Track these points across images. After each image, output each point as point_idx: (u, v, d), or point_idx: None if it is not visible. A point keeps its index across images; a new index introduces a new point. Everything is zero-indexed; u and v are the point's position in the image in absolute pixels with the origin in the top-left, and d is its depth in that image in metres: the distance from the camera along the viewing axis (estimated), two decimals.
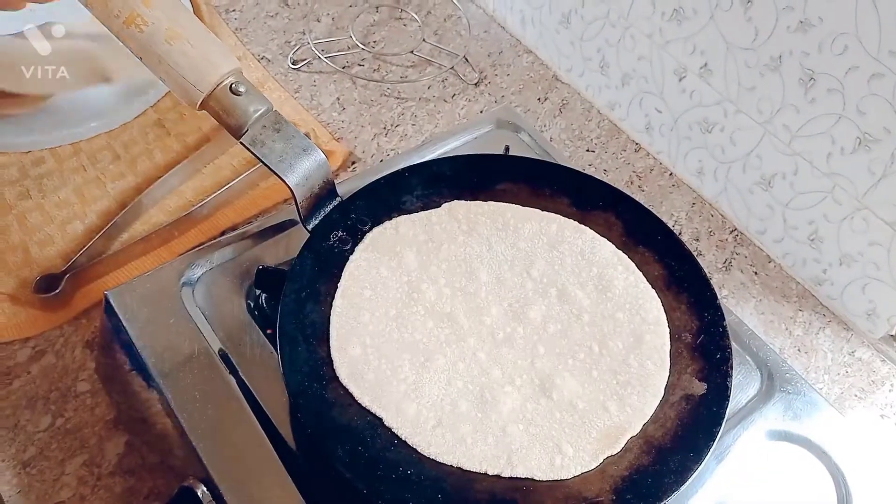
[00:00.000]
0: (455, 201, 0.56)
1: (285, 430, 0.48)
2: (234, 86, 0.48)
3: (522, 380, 0.47)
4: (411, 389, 0.46)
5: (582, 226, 0.55)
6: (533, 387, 0.47)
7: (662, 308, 0.51)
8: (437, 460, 0.43)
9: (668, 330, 0.50)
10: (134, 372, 0.54)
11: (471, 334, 0.49)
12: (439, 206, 0.56)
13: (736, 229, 0.79)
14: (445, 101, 0.87)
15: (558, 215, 0.56)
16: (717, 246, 0.78)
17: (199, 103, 0.48)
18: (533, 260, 0.53)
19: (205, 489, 0.46)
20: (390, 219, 0.54)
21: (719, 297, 0.54)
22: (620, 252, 0.54)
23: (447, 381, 0.47)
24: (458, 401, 0.46)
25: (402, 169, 0.56)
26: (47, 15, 0.73)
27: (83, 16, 0.48)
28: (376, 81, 0.88)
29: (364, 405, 0.46)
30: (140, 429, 0.58)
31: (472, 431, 0.45)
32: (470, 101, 0.87)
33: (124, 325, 0.51)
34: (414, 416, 0.45)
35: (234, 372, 0.51)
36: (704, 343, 0.49)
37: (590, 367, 0.48)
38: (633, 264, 0.53)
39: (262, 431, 0.48)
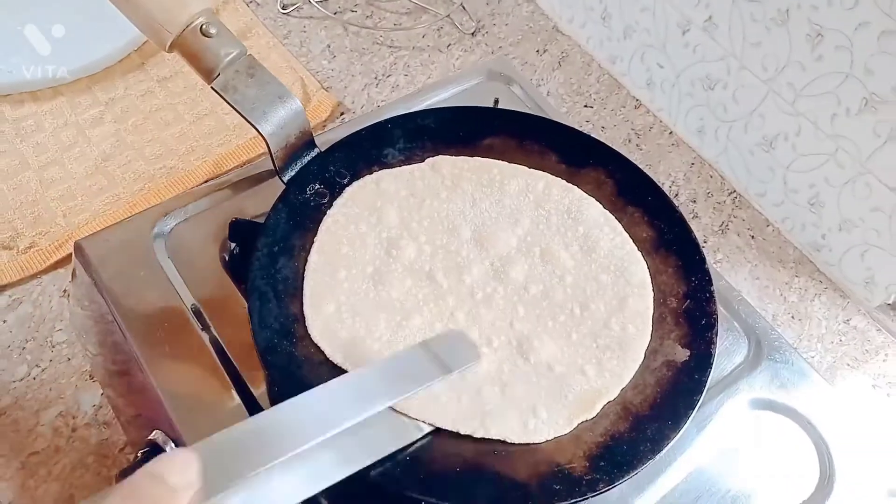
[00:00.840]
0: (439, 156, 0.54)
1: (258, 390, 0.47)
2: (204, 27, 0.46)
3: (500, 341, 0.46)
4: (386, 348, 0.45)
5: (570, 184, 0.53)
6: (510, 349, 0.46)
7: (648, 271, 0.49)
8: (408, 414, 0.42)
9: (652, 294, 0.48)
10: (111, 324, 0.53)
11: (450, 294, 0.48)
12: (422, 159, 0.53)
13: (735, 191, 0.77)
14: (440, 50, 0.84)
15: (546, 173, 0.53)
16: (714, 208, 0.76)
17: (168, 45, 0.46)
18: (518, 218, 0.51)
19: (173, 446, 0.45)
20: (370, 172, 0.52)
21: (711, 260, 0.52)
22: (608, 212, 0.52)
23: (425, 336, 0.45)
24: None
25: (385, 120, 0.54)
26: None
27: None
28: (369, 29, 0.84)
29: (336, 363, 0.44)
30: (116, 381, 0.57)
31: (447, 390, 0.43)
32: (466, 51, 0.84)
33: (93, 275, 0.50)
34: None
35: (206, 327, 0.49)
36: (690, 308, 0.48)
37: (570, 331, 0.47)
38: (619, 226, 0.51)
39: (234, 390, 0.47)
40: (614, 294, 0.48)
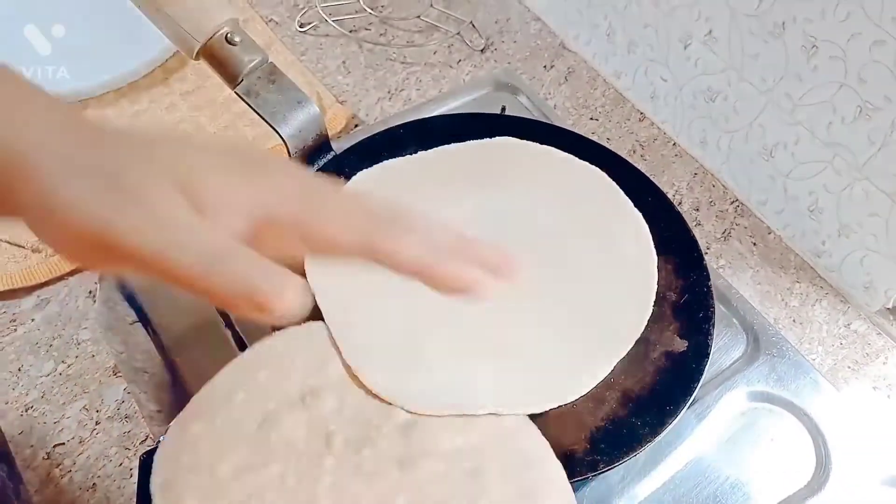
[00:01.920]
0: None
1: None
2: (229, 35, 0.49)
3: None
4: (212, 484, 0.39)
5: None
6: None
7: None
8: None
9: None
10: (135, 325, 0.56)
11: (333, 456, 0.39)
12: None
13: (737, 200, 0.79)
14: (451, 66, 0.87)
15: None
16: (716, 216, 0.78)
17: (195, 52, 0.49)
18: (466, 431, 0.42)
19: None
20: None
21: (714, 266, 0.54)
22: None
23: (253, 495, 0.38)
24: None
25: (397, 126, 0.57)
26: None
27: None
28: (382, 46, 0.88)
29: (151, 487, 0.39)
30: (140, 379, 0.59)
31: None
32: (475, 66, 0.87)
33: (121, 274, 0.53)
34: None
35: (230, 324, 0.52)
36: (688, 302, 0.50)
37: None
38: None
39: None
40: None
